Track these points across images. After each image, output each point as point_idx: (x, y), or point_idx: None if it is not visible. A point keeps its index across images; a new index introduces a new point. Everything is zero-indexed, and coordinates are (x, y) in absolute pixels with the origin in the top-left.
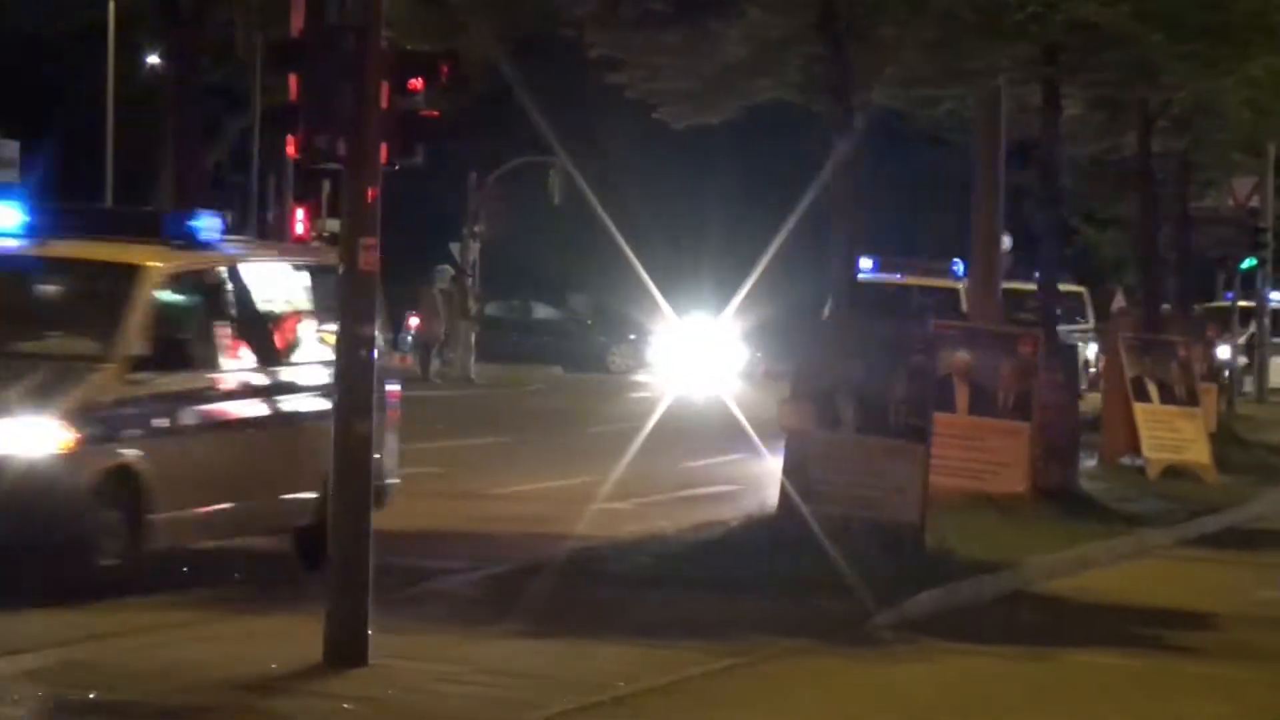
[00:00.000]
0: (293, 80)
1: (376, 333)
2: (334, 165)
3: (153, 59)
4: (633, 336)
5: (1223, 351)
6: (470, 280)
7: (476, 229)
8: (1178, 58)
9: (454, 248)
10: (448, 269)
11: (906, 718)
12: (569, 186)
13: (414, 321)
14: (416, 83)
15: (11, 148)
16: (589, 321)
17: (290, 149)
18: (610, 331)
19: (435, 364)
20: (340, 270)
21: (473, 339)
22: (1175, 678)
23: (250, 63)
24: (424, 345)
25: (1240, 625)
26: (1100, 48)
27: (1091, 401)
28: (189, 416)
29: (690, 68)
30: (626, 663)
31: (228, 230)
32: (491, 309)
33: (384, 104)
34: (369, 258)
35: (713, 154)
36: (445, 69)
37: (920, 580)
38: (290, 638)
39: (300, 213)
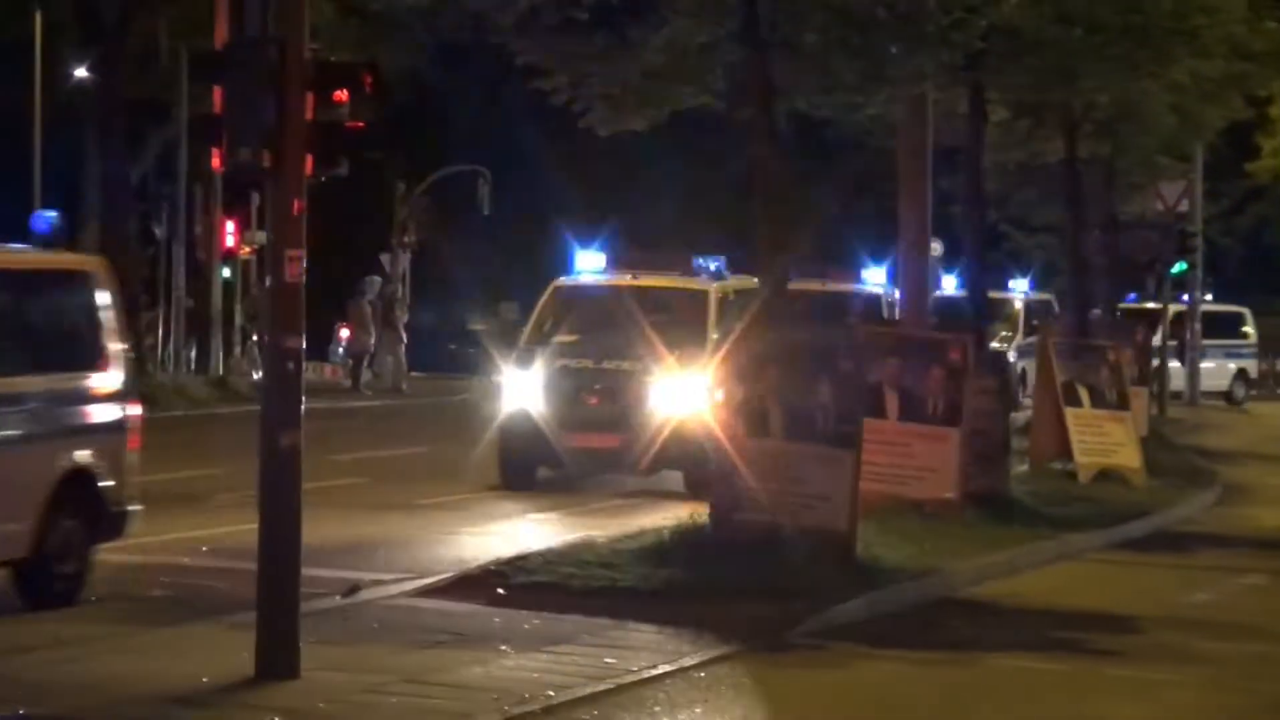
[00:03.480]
0: (217, 92)
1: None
2: (259, 177)
3: (79, 71)
4: None
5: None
6: (398, 291)
7: (406, 239)
8: (1098, 61)
9: (384, 259)
10: (377, 280)
11: None
12: (498, 195)
13: (344, 333)
14: (341, 94)
15: None
16: (520, 330)
17: (215, 161)
18: None
19: (366, 375)
20: (266, 281)
21: (401, 350)
22: (1098, 680)
23: (175, 74)
24: (354, 356)
25: (1164, 628)
26: (1022, 52)
27: None
28: None
29: (613, 75)
30: (556, 671)
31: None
32: (425, 319)
33: (308, 115)
34: (294, 269)
35: (642, 160)
36: (368, 79)
37: (848, 587)
38: (220, 650)
39: (230, 225)
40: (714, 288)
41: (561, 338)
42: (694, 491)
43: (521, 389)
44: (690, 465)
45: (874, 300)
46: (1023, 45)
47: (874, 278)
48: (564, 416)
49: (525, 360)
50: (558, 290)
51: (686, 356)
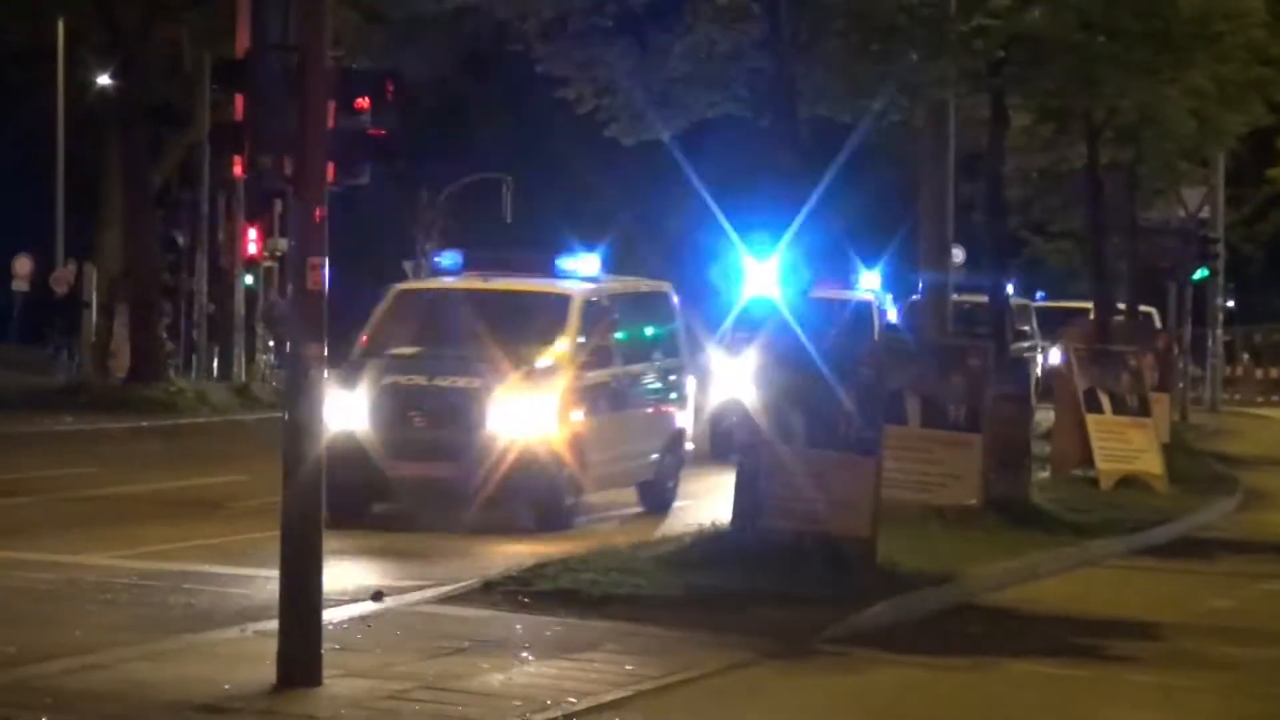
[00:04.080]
0: (238, 99)
1: None
2: (280, 184)
3: (102, 79)
4: None
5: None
6: None
7: (429, 247)
8: (1119, 67)
9: (407, 266)
10: None
11: None
12: (522, 202)
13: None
14: (363, 101)
15: None
16: None
17: (237, 168)
18: None
19: None
20: (288, 289)
21: None
22: (1118, 686)
23: (197, 81)
24: None
25: (1186, 634)
26: (1044, 58)
27: None
28: None
29: (637, 83)
30: (579, 678)
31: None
32: None
33: (330, 123)
34: (316, 277)
35: (667, 168)
36: (391, 87)
37: (869, 593)
38: (242, 657)
39: (252, 232)
40: (579, 291)
41: (396, 350)
42: (544, 525)
43: (347, 409)
44: (538, 496)
45: (863, 308)
46: (1044, 52)
47: (867, 283)
48: (391, 441)
49: (352, 376)
50: (400, 296)
51: (538, 370)
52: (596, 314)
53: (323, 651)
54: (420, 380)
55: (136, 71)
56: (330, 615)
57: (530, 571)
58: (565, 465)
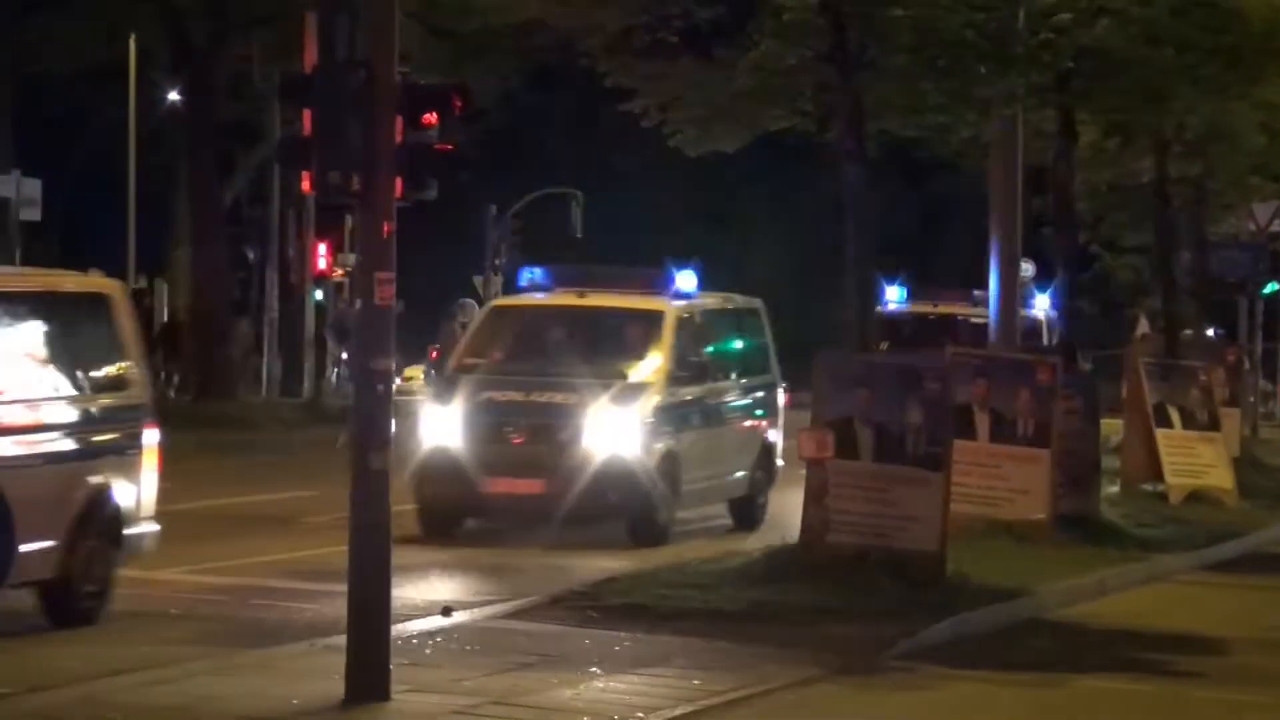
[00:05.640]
0: (306, 115)
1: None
2: (348, 200)
3: (172, 96)
4: None
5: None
6: None
7: (498, 262)
8: (1187, 82)
9: (477, 281)
10: (471, 303)
11: None
12: (590, 217)
13: (435, 355)
14: (430, 116)
15: (34, 186)
16: None
17: (305, 184)
18: None
19: None
20: (358, 304)
21: None
22: (1184, 703)
23: (267, 97)
24: None
25: (1253, 650)
26: (1111, 73)
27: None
28: None
29: (702, 97)
30: (646, 692)
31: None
32: None
33: (397, 138)
34: (385, 292)
35: (733, 181)
36: (458, 102)
37: (938, 609)
38: (311, 672)
39: (322, 248)
40: None
41: None
42: None
43: None
44: None
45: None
46: (1112, 66)
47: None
48: None
49: None
50: None
51: None
52: None
53: (391, 666)
54: None
55: (206, 88)
56: (399, 630)
57: (599, 586)
58: None
